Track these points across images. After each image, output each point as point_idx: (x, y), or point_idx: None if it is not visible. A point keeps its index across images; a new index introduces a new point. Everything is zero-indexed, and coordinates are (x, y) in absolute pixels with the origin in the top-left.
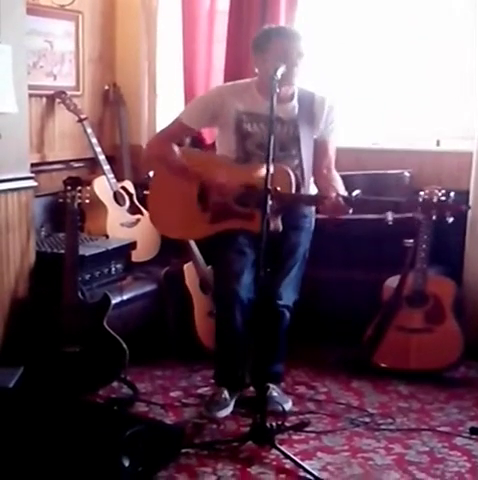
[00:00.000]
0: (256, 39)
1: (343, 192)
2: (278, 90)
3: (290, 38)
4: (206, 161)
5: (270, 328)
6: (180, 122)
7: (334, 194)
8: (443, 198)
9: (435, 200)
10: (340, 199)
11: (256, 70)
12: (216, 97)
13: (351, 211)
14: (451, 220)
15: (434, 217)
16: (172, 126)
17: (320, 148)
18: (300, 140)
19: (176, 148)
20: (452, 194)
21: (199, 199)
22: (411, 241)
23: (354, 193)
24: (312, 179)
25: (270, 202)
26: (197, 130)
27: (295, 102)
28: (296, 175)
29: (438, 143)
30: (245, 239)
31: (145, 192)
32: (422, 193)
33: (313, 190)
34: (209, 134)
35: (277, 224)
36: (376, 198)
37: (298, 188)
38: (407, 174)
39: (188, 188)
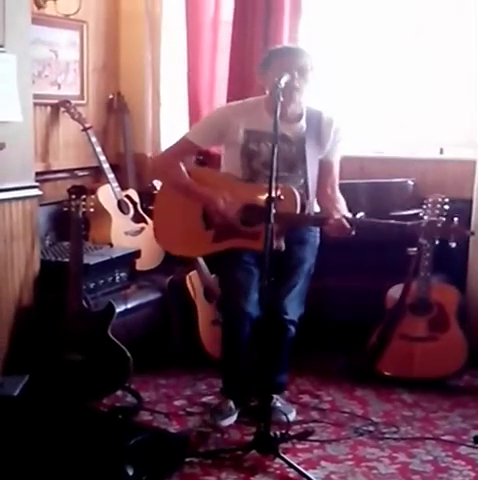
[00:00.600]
0: (261, 60)
1: (346, 213)
2: (282, 99)
3: (290, 54)
4: (211, 180)
5: (275, 341)
6: (187, 140)
7: (338, 216)
8: (447, 209)
9: (440, 225)
10: (344, 221)
11: (266, 91)
12: (222, 117)
13: (354, 233)
14: (454, 245)
15: (437, 242)
16: (179, 144)
17: (325, 168)
18: (306, 160)
19: (183, 167)
20: (456, 220)
21: (203, 217)
22: (415, 249)
23: (358, 215)
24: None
25: (274, 210)
26: (204, 148)
27: (303, 122)
28: (301, 195)
29: (441, 151)
30: (250, 258)
31: (150, 207)
32: (426, 217)
33: (317, 210)
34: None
35: (280, 244)
36: (379, 221)
37: (303, 208)
38: (411, 182)
39: (193, 206)
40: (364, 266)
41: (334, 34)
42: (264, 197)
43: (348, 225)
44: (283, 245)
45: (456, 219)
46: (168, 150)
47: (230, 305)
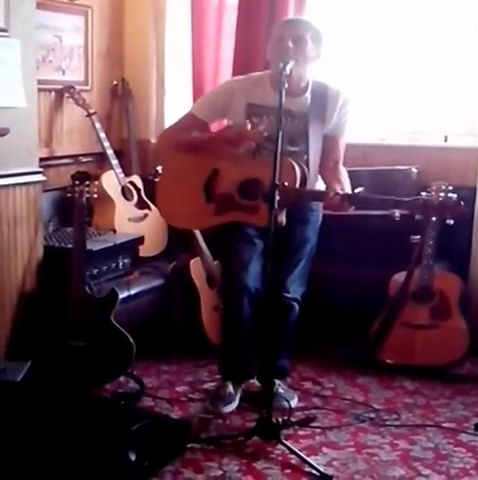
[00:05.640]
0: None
1: (348, 187)
2: (286, 86)
3: (287, 24)
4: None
5: (278, 321)
6: (191, 114)
7: (337, 189)
8: (449, 194)
9: (436, 202)
10: (342, 196)
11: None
12: (226, 90)
13: (353, 209)
14: (452, 222)
15: (434, 219)
16: (183, 119)
17: (330, 142)
18: (309, 134)
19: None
20: (454, 196)
21: (205, 190)
22: (417, 237)
23: (357, 190)
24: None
25: (277, 198)
26: (208, 122)
27: (308, 95)
28: (302, 170)
29: (446, 139)
30: (253, 229)
31: (155, 179)
32: (424, 194)
33: (320, 184)
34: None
35: (281, 218)
36: (377, 197)
37: (303, 183)
38: (414, 170)
39: (195, 178)
40: (367, 254)
41: (339, 20)
42: (264, 171)
43: (346, 201)
44: (284, 220)
45: (454, 195)
46: (172, 126)
47: (230, 278)
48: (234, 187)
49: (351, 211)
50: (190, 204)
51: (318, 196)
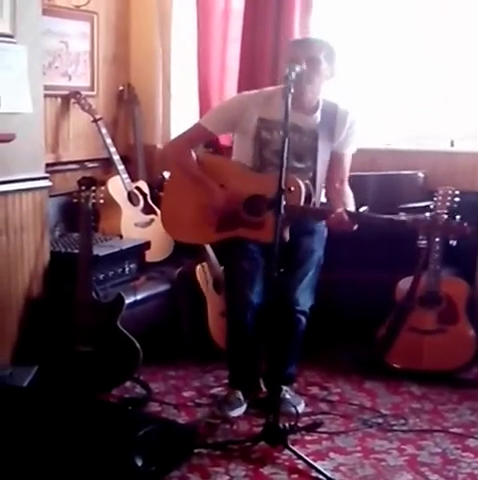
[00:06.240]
0: None
1: (352, 207)
2: (293, 90)
3: (299, 45)
4: (221, 169)
5: (286, 333)
6: (200, 126)
7: (340, 210)
8: (455, 202)
9: (440, 223)
10: (345, 215)
11: None
12: (238, 105)
13: (356, 227)
14: (455, 243)
15: (437, 239)
16: (192, 130)
17: (335, 160)
18: (317, 152)
19: (194, 155)
20: (458, 217)
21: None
22: (424, 242)
23: (361, 209)
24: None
25: (284, 202)
26: (217, 135)
27: (318, 114)
28: (307, 187)
29: (452, 144)
30: (256, 246)
31: (160, 193)
32: (428, 214)
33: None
34: (225, 136)
35: (285, 234)
36: (381, 216)
37: (308, 200)
38: (421, 175)
39: (199, 194)
40: (374, 259)
41: (345, 26)
42: (270, 188)
43: (349, 219)
44: (287, 236)
45: (458, 217)
46: (180, 136)
47: (234, 294)
48: (240, 203)
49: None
50: (193, 219)
51: (322, 214)
